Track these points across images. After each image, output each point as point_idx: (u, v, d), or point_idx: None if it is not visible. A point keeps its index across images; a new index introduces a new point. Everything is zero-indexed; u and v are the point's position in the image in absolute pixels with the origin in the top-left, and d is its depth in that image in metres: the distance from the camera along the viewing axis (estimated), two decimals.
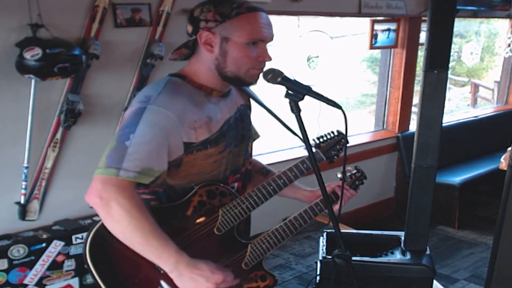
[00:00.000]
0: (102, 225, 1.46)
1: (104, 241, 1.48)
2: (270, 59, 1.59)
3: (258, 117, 1.94)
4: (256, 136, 1.91)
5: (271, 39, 1.60)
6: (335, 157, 1.88)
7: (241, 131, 1.71)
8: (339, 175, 1.90)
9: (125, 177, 1.39)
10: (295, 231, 1.76)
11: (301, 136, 1.72)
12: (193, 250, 1.51)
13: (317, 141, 1.84)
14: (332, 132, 1.89)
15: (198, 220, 1.58)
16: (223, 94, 1.64)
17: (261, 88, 1.75)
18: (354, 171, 1.96)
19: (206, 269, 1.47)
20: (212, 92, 1.61)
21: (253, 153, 1.87)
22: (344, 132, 1.89)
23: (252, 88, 1.82)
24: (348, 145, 1.73)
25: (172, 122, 1.47)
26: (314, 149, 1.79)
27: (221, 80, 1.61)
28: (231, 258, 1.65)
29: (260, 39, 1.56)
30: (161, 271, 1.51)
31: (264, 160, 2.02)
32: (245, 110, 1.77)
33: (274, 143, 4.13)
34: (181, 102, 1.51)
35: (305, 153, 1.77)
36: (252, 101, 1.86)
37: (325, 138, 1.87)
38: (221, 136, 1.60)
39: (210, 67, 1.58)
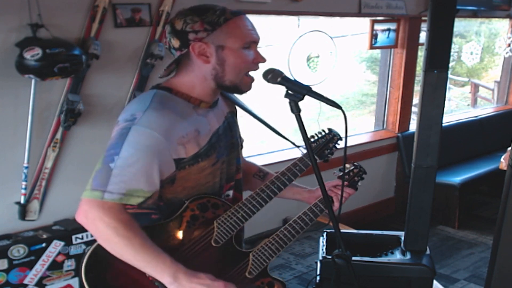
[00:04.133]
0: (95, 248, 1.47)
1: (99, 263, 1.48)
2: (264, 60, 1.59)
3: (253, 119, 1.93)
4: (242, 139, 1.88)
5: (259, 39, 1.60)
6: (329, 155, 1.85)
7: (230, 140, 1.69)
8: (336, 173, 1.88)
9: (109, 199, 1.40)
10: (297, 235, 1.72)
11: (288, 138, 1.70)
12: (193, 265, 1.49)
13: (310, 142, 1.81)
14: (323, 131, 1.86)
15: (193, 235, 1.57)
16: (211, 105, 1.62)
17: (260, 88, 1.75)
18: (352, 167, 1.91)
19: (205, 278, 1.45)
20: (200, 104, 1.58)
21: (251, 153, 1.86)
22: (334, 129, 1.88)
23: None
24: (347, 144, 1.72)
25: (158, 142, 1.44)
26: (305, 150, 1.76)
27: (213, 91, 1.59)
28: (234, 269, 1.63)
29: (252, 41, 1.56)
30: None
31: (261, 161, 2.01)
32: (232, 118, 1.75)
33: (270, 144, 4.12)
34: (167, 118, 1.48)
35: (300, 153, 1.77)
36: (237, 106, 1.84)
37: (315, 138, 1.84)
38: (211, 148, 1.59)
39: (206, 78, 1.56)
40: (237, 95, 1.79)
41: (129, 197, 1.41)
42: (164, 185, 1.52)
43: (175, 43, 1.55)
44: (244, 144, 1.85)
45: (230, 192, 1.71)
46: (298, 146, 1.79)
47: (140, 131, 1.44)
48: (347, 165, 1.89)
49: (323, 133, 1.86)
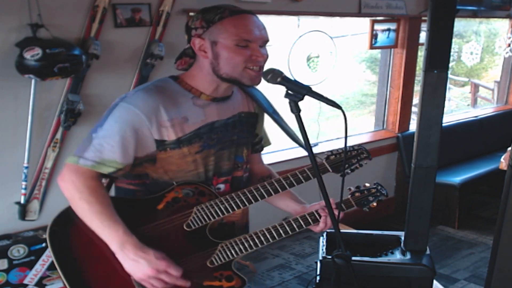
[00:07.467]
0: (67, 208, 1.60)
1: (66, 220, 1.60)
2: (262, 57, 1.60)
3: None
4: (266, 144, 1.93)
5: (263, 40, 1.61)
6: (349, 171, 1.79)
7: (231, 136, 1.72)
8: (352, 189, 1.83)
9: (83, 165, 1.54)
10: (272, 240, 1.69)
11: (308, 149, 1.66)
12: (155, 241, 1.56)
13: (330, 153, 1.77)
14: (352, 147, 1.81)
15: (167, 215, 1.61)
16: (215, 99, 1.67)
17: (261, 88, 1.75)
18: (370, 187, 1.84)
19: (151, 254, 1.52)
20: (200, 95, 1.65)
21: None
22: (365, 147, 1.84)
23: (267, 96, 1.85)
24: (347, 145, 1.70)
25: (139, 119, 1.56)
26: (320, 159, 1.72)
27: (217, 84, 1.65)
28: (195, 254, 1.63)
29: (247, 40, 1.57)
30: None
31: (265, 160, 2.00)
32: (246, 118, 1.77)
33: (276, 143, 4.12)
34: (155, 100, 1.58)
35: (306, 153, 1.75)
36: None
37: (339, 151, 1.77)
38: (196, 136, 1.63)
39: (209, 72, 1.63)
40: (266, 97, 1.86)
41: (101, 165, 1.54)
42: (144, 163, 1.62)
43: (186, 38, 1.68)
44: (265, 148, 1.92)
45: (222, 186, 1.73)
46: (309, 145, 1.71)
47: (125, 107, 1.57)
48: (367, 184, 1.85)
49: (350, 149, 1.79)
